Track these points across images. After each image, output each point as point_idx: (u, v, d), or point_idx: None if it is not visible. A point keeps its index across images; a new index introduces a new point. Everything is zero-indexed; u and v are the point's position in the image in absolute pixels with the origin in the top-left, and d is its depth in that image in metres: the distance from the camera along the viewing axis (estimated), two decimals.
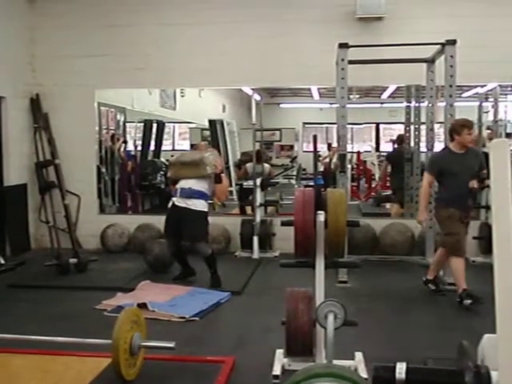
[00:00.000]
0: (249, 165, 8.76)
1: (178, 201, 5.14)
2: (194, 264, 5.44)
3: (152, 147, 9.45)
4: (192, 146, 10.85)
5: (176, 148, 11.84)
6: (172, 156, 5.46)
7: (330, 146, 11.52)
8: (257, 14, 6.70)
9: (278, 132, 12.88)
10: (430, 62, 5.79)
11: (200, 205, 5.13)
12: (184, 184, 5.16)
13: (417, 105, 7.44)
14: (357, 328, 2.92)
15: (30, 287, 5.19)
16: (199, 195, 5.14)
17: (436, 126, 6.13)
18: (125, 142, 9.12)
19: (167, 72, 6.87)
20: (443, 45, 5.11)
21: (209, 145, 8.08)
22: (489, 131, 7.33)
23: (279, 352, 3.26)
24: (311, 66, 6.49)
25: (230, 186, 10.33)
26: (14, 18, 6.74)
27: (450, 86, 5.04)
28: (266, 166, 7.10)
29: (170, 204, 5.24)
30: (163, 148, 10.07)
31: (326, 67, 5.83)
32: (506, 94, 7.89)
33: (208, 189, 5.24)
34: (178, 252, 5.29)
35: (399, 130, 10.82)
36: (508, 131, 7.98)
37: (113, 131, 8.42)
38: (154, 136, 9.43)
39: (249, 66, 6.70)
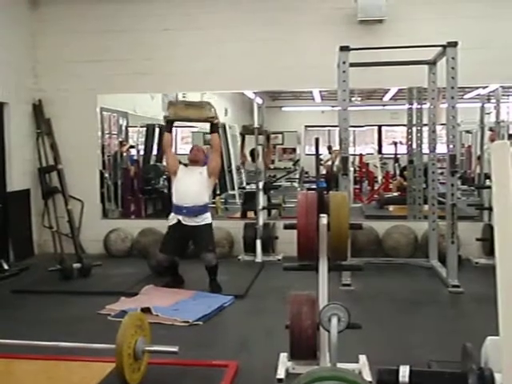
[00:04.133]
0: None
1: (184, 219, 5.07)
2: (195, 270, 5.45)
3: (154, 152, 9.45)
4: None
5: (178, 152, 11.81)
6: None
7: (330, 148, 11.50)
8: (258, 18, 6.71)
9: (280, 135, 12.89)
10: (432, 63, 5.79)
11: (208, 218, 5.18)
12: (186, 199, 5.05)
13: (419, 107, 7.44)
14: (360, 331, 2.91)
15: (33, 292, 5.19)
16: (204, 209, 5.14)
17: (438, 127, 6.12)
18: (132, 146, 9.13)
19: (169, 77, 6.88)
20: (444, 47, 5.11)
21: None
22: (491, 132, 7.32)
23: (283, 355, 3.25)
24: (313, 68, 6.49)
25: (233, 189, 10.36)
26: (16, 23, 6.77)
27: (452, 88, 5.05)
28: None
29: (172, 221, 5.15)
30: None
31: (328, 70, 5.82)
32: (508, 95, 7.87)
33: (209, 186, 5.21)
34: (171, 267, 5.23)
35: (401, 132, 10.86)
36: (510, 132, 7.96)
37: (115, 136, 8.43)
38: (156, 140, 9.44)
39: (251, 69, 6.71)
